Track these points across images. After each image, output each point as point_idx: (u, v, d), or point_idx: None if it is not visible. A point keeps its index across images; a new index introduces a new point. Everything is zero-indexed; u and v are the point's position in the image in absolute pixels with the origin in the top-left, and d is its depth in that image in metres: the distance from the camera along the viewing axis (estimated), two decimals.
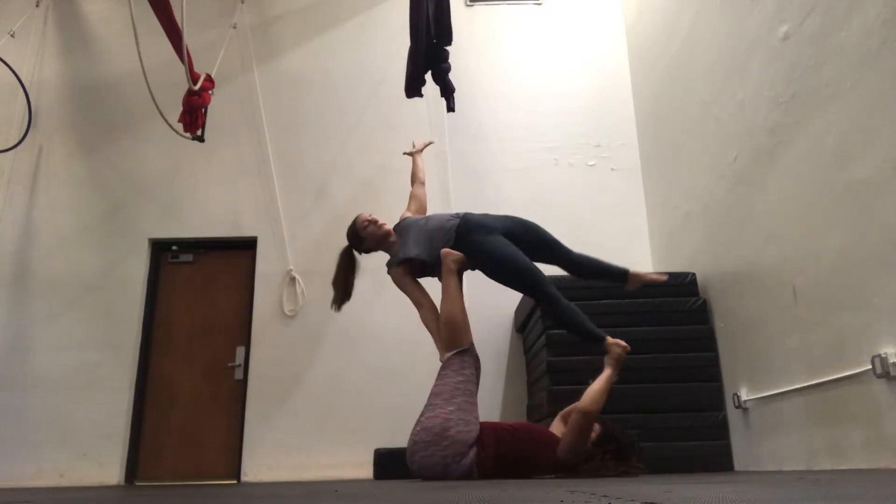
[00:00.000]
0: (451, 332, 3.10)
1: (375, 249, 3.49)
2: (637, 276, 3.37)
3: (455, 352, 3.07)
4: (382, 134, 5.45)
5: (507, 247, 3.20)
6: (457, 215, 3.36)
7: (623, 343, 3.13)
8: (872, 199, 2.59)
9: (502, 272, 3.23)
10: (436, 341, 3.22)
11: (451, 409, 2.94)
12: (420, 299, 3.29)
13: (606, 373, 3.08)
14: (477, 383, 3.10)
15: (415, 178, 3.93)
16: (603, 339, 3.12)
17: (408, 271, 3.31)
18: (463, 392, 2.98)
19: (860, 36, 2.65)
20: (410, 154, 4.09)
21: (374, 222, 3.41)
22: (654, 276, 3.48)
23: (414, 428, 3.03)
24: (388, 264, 3.40)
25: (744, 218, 3.65)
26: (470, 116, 5.43)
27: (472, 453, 2.92)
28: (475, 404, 3.02)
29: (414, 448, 2.95)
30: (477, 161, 5.40)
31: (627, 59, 5.63)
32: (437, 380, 3.08)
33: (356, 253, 3.51)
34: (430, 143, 4.21)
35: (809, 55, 2.98)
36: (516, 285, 3.31)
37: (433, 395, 3.03)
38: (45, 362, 4.91)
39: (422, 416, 3.02)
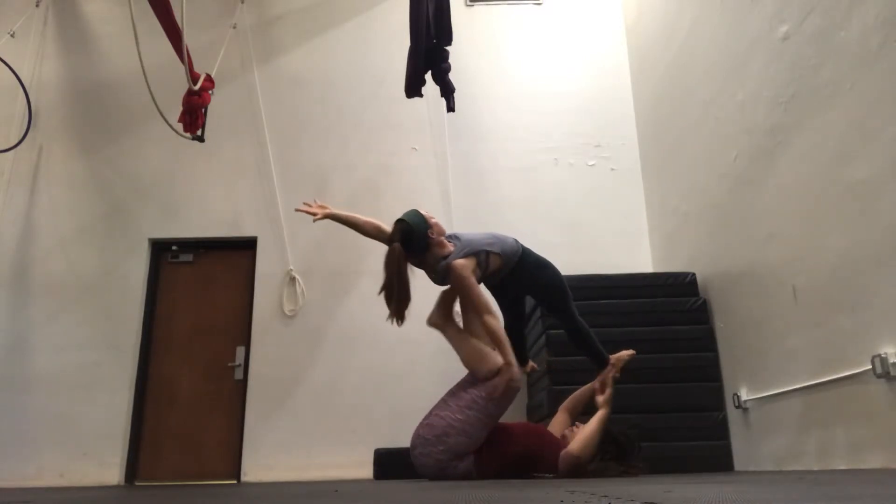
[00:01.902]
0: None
1: (429, 249, 3.17)
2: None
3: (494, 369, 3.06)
4: (382, 134, 5.46)
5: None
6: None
7: (627, 352, 3.32)
8: (872, 198, 2.59)
9: (558, 289, 3.31)
10: (498, 350, 3.07)
11: (459, 417, 2.94)
12: (488, 303, 3.11)
13: (601, 413, 3.10)
14: (501, 405, 3.00)
15: (367, 225, 3.35)
16: (607, 360, 3.29)
17: (475, 269, 3.17)
18: (480, 408, 2.95)
19: (860, 36, 2.65)
20: (324, 217, 3.45)
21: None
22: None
23: (423, 420, 3.05)
24: (452, 257, 3.14)
25: (744, 218, 3.65)
26: (470, 116, 5.43)
27: (470, 458, 2.94)
28: (486, 424, 2.97)
29: (415, 442, 3.01)
30: (477, 161, 5.40)
31: (627, 59, 5.63)
32: (467, 384, 3.08)
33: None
34: (325, 215, 3.43)
35: (809, 55, 2.98)
36: (561, 301, 3.33)
37: (454, 395, 3.05)
38: (45, 362, 4.91)
39: (434, 409, 3.05)
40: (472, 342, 3.12)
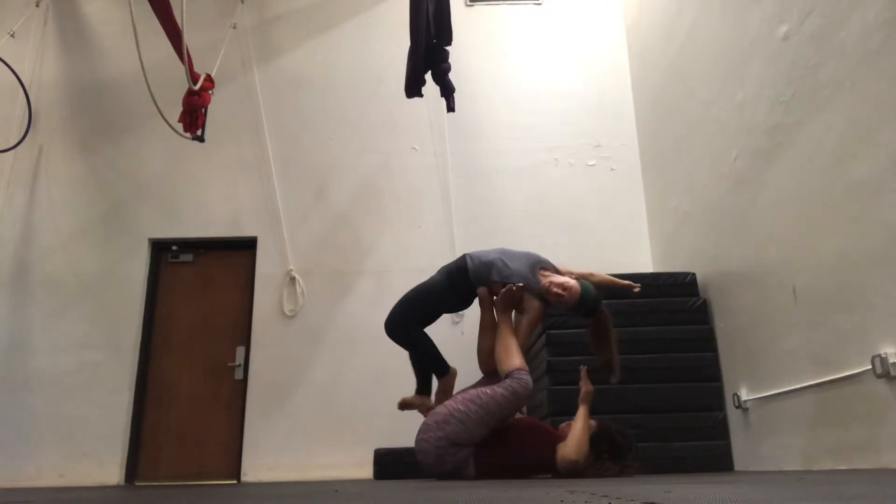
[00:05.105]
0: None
1: None
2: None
3: (507, 371, 3.11)
4: (382, 134, 5.46)
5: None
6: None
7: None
8: (872, 199, 2.59)
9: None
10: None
11: (461, 408, 3.01)
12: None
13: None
14: (507, 407, 3.01)
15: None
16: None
17: None
18: (482, 405, 2.99)
19: (860, 36, 2.65)
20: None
21: None
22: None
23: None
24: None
25: (744, 218, 3.65)
26: (470, 116, 5.43)
27: (469, 450, 2.98)
28: (485, 421, 2.98)
29: (420, 427, 3.09)
30: (477, 161, 5.40)
31: (627, 59, 5.63)
32: (481, 383, 3.20)
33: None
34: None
35: (809, 55, 2.98)
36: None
37: (464, 390, 3.15)
38: (45, 362, 4.91)
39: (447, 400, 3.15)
40: (513, 338, 3.21)
